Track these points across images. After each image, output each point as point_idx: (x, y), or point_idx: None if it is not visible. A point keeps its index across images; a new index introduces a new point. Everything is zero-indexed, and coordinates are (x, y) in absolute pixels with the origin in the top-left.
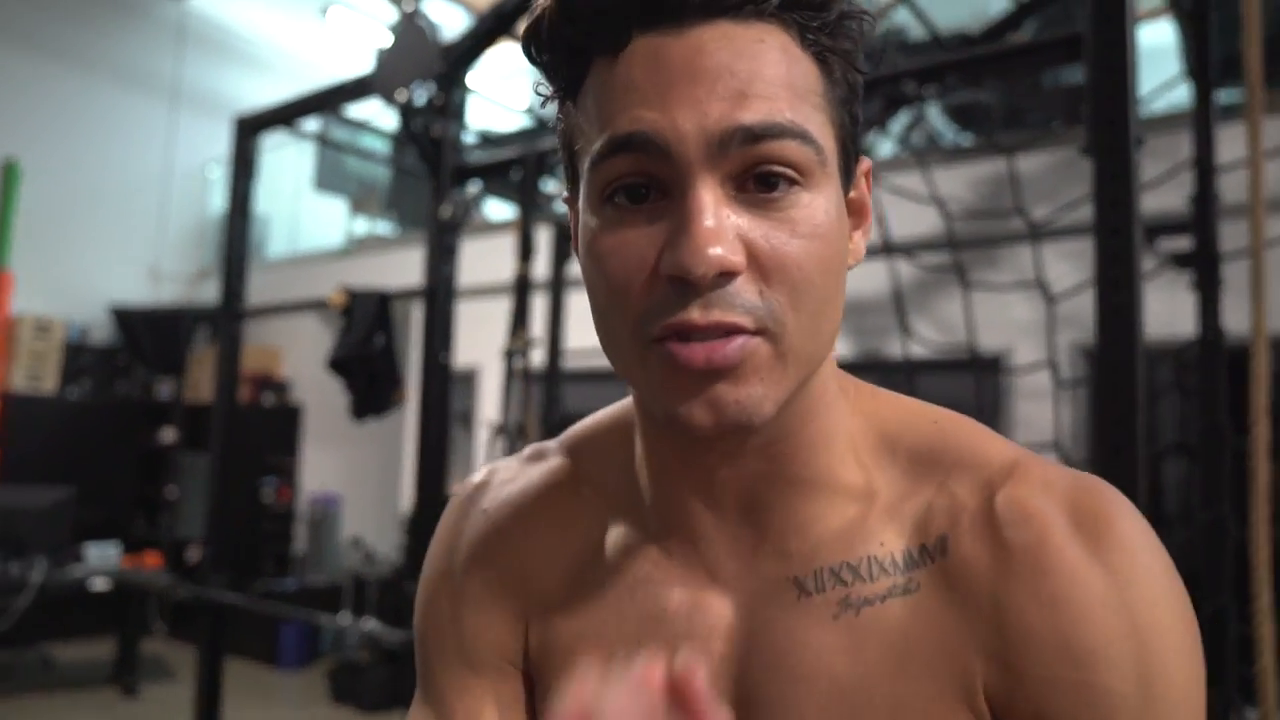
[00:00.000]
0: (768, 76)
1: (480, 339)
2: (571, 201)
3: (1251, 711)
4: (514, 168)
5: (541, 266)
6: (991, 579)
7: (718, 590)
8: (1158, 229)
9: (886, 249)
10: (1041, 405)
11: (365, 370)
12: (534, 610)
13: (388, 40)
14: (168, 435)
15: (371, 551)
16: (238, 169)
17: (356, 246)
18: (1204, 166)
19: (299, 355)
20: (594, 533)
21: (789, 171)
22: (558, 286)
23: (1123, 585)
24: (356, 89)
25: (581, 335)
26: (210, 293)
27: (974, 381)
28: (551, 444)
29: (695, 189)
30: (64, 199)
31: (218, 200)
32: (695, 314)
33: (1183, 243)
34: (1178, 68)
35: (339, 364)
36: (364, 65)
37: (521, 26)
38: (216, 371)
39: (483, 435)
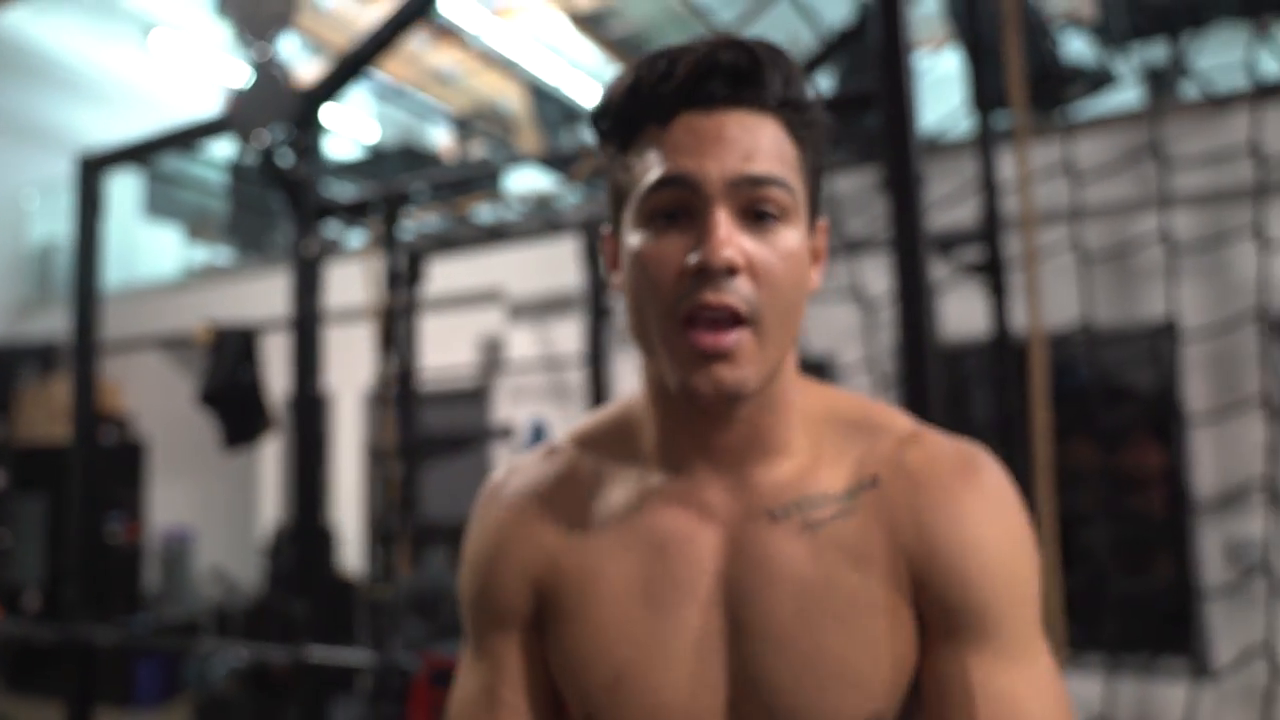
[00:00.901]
0: (765, 146)
1: (329, 364)
2: (610, 237)
3: None
4: (371, 205)
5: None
6: (910, 504)
7: (710, 522)
8: (952, 241)
9: None
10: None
11: (235, 402)
12: (542, 568)
13: (242, 83)
14: None
15: (233, 581)
16: (84, 208)
17: (196, 277)
18: (988, 185)
19: (140, 389)
20: (594, 497)
21: (774, 209)
22: (409, 311)
23: (992, 506)
24: (210, 128)
25: (437, 356)
26: (33, 327)
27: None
28: (562, 441)
29: (715, 213)
30: None
31: (37, 230)
32: (709, 295)
33: (975, 253)
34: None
35: (209, 397)
36: (192, 89)
37: (593, 106)
38: (74, 409)
39: (344, 458)
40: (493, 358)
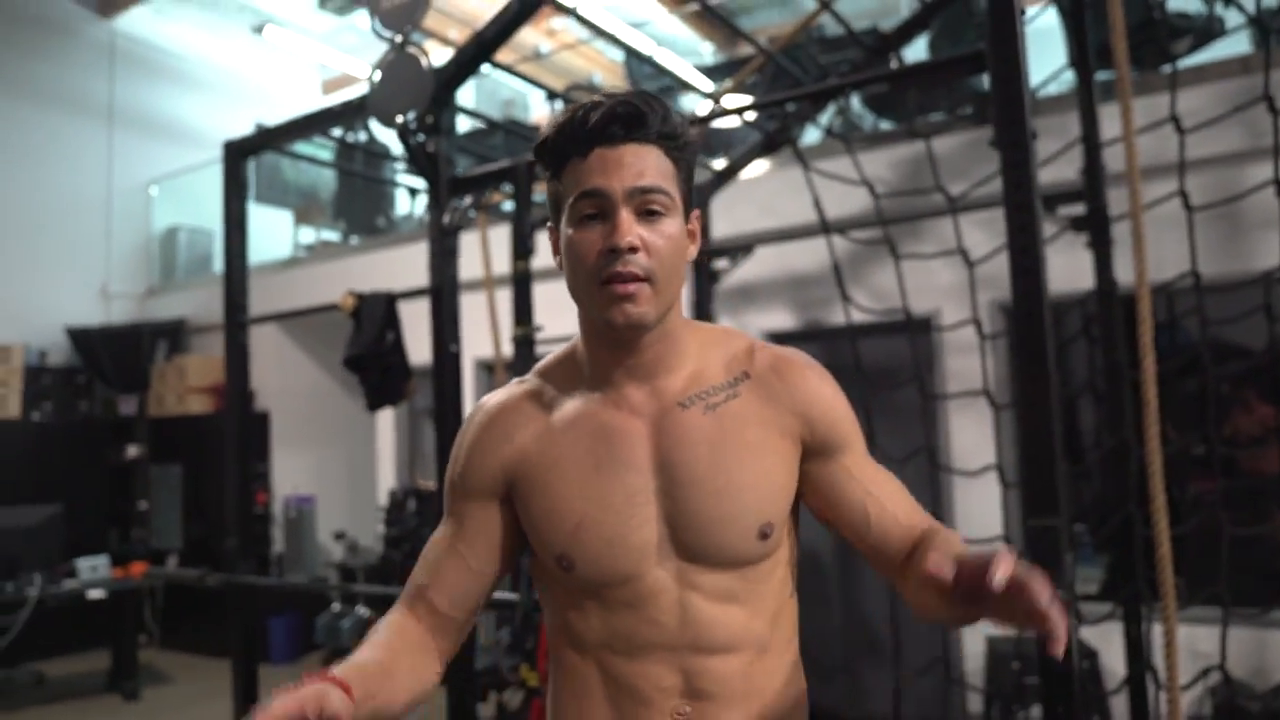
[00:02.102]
0: (650, 166)
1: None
2: (553, 229)
3: (1156, 605)
4: (505, 177)
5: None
6: (781, 383)
7: (637, 416)
8: (1056, 198)
9: (824, 228)
10: (968, 359)
11: (378, 366)
12: (513, 458)
13: (381, 68)
14: (133, 450)
15: (354, 543)
16: (229, 190)
17: (308, 255)
18: (1090, 143)
19: (260, 365)
20: (553, 411)
21: (659, 207)
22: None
23: (826, 376)
24: (348, 113)
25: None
26: (160, 309)
27: (909, 341)
28: (528, 375)
29: (620, 212)
30: (11, 225)
31: (160, 218)
32: (619, 266)
33: (1078, 208)
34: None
35: (353, 361)
36: (301, 80)
37: (535, 144)
38: (227, 378)
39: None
40: None
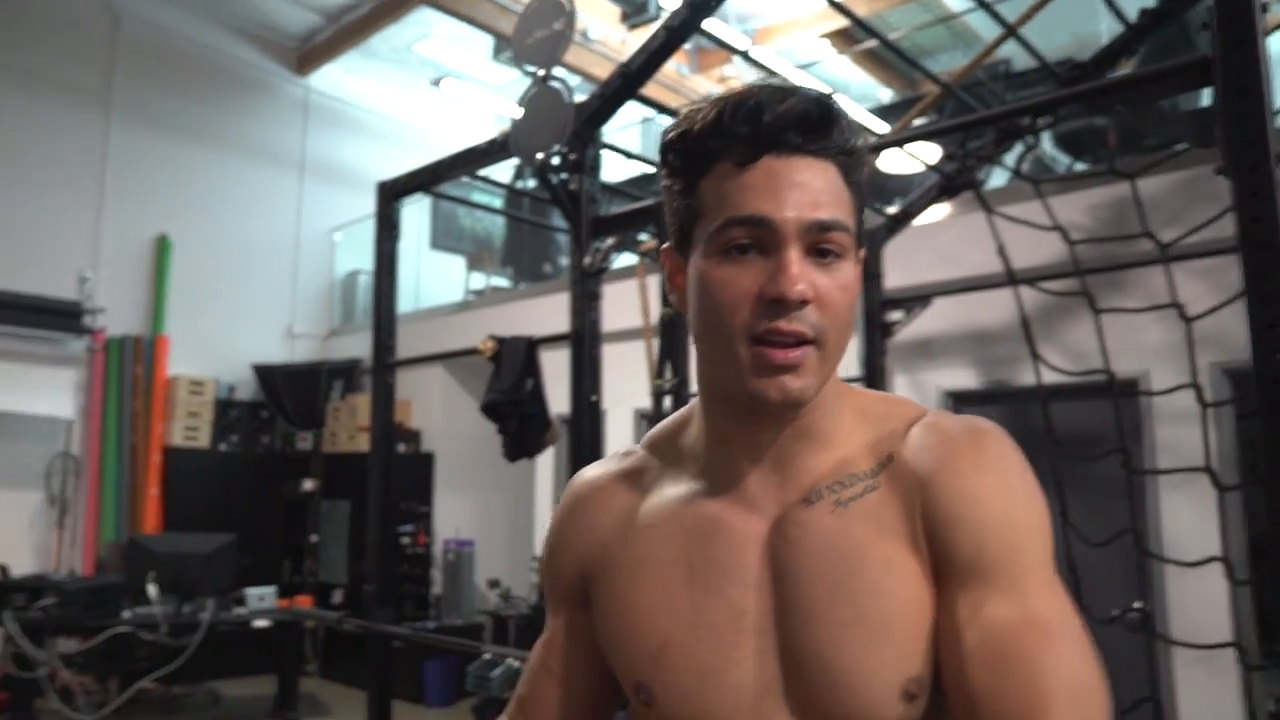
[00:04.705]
0: (829, 193)
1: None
2: (670, 251)
3: None
4: (649, 217)
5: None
6: (919, 470)
7: (754, 512)
8: None
9: (1010, 278)
10: (1181, 428)
11: (517, 413)
12: (591, 554)
13: (522, 106)
14: (308, 484)
15: (507, 592)
16: (381, 230)
17: (476, 300)
18: None
19: (426, 406)
20: (655, 495)
21: (836, 248)
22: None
23: (989, 464)
24: (492, 152)
25: None
26: (339, 350)
27: (1112, 406)
28: (638, 444)
29: (789, 251)
30: (210, 268)
31: (342, 264)
32: (783, 323)
33: None
34: None
35: (491, 408)
36: (475, 129)
37: (671, 133)
38: (373, 419)
39: None
40: None
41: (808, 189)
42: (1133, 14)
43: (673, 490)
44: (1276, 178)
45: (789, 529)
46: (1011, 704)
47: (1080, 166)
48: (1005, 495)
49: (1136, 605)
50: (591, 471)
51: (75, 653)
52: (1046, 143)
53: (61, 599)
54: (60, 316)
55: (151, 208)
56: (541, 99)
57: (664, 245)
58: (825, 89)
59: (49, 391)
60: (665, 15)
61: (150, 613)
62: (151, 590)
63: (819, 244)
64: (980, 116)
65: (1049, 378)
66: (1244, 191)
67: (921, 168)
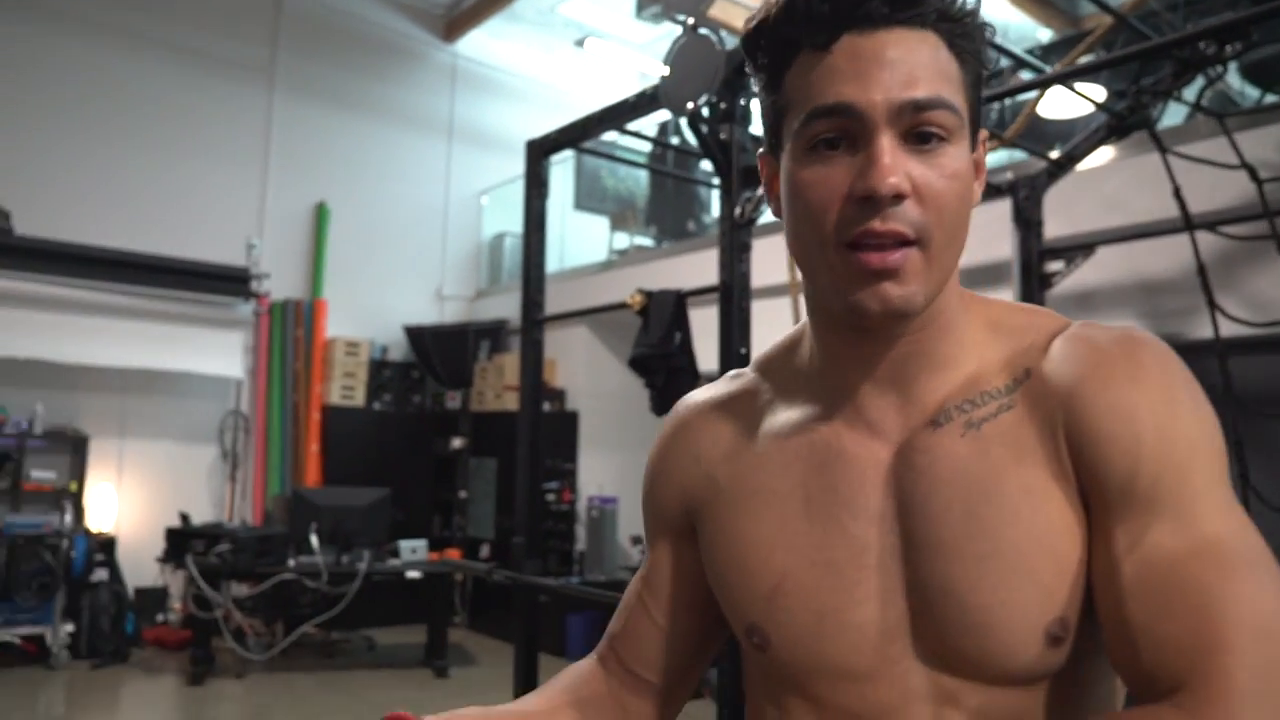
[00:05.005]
0: (927, 66)
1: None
2: (766, 158)
3: None
4: None
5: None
6: (1063, 386)
7: (875, 438)
8: None
9: (1187, 223)
10: None
11: (664, 367)
12: (697, 484)
13: (673, 54)
14: (456, 442)
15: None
16: (530, 188)
17: (620, 259)
18: None
19: (570, 365)
20: (762, 421)
21: (939, 130)
22: None
23: (1146, 375)
24: (641, 105)
25: None
26: (486, 311)
27: None
28: (748, 367)
29: (879, 140)
30: (364, 233)
31: (489, 226)
32: (877, 223)
33: None
34: None
35: (638, 362)
36: (619, 88)
37: (746, 29)
38: (522, 375)
39: None
40: None
41: (900, 65)
42: None
43: (785, 415)
44: None
45: (915, 456)
46: (1184, 642)
47: (1272, 99)
48: (1168, 408)
49: None
50: (698, 395)
51: (246, 597)
52: (1233, 75)
53: (235, 546)
54: (230, 282)
55: (311, 177)
56: (691, 48)
57: (759, 152)
58: None
59: (220, 353)
60: None
61: (313, 562)
62: (314, 540)
63: (918, 127)
64: (1156, 43)
65: (1228, 330)
66: None
67: (1089, 109)
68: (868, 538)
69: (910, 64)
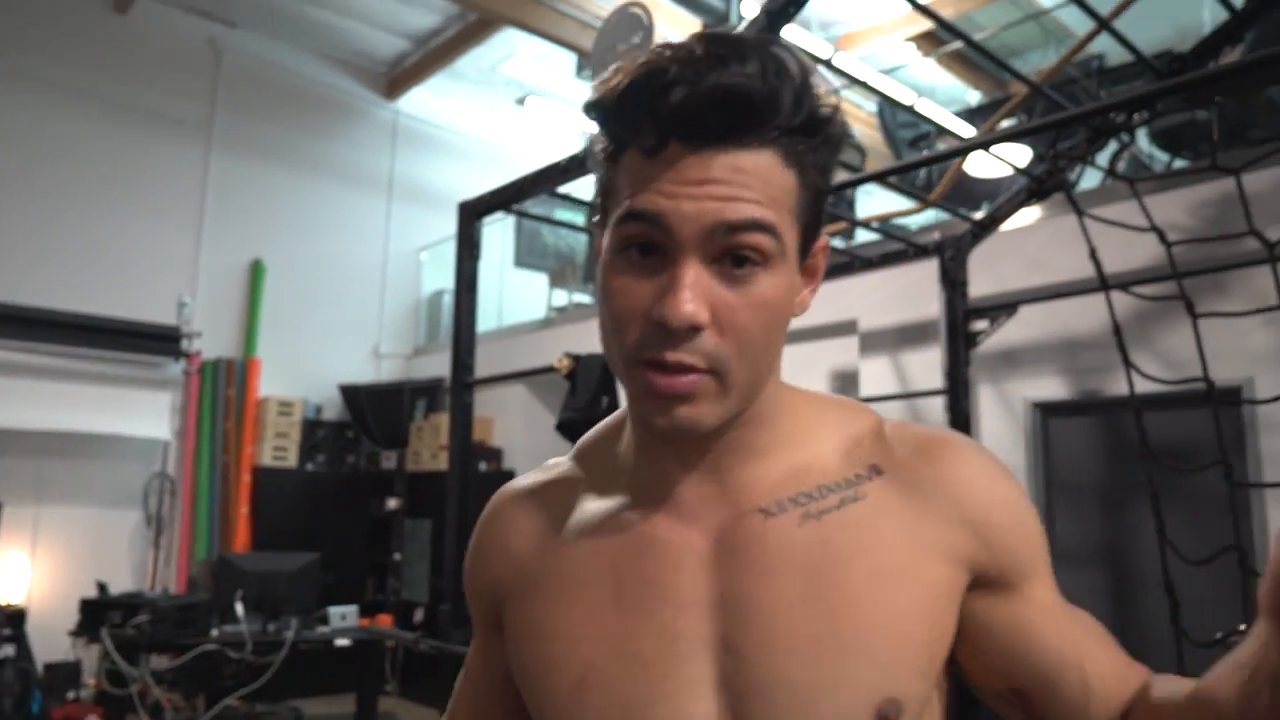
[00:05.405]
0: (754, 186)
1: None
2: (600, 227)
3: None
4: None
5: None
6: (934, 472)
7: (693, 527)
8: None
9: (1102, 283)
10: None
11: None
12: (505, 575)
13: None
14: (392, 503)
15: None
16: (462, 249)
17: (558, 316)
18: None
19: (507, 424)
20: (580, 510)
21: (753, 255)
22: None
23: (1000, 469)
24: (573, 168)
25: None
26: (423, 369)
27: (1211, 416)
28: (565, 456)
29: (683, 263)
30: (300, 291)
31: (428, 283)
32: (668, 354)
33: None
34: None
35: (566, 426)
36: (560, 146)
37: (590, 95)
38: (451, 438)
39: None
40: (846, 391)
41: (722, 185)
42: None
43: (601, 504)
44: None
45: (742, 543)
46: (1116, 657)
47: (1180, 164)
48: (1022, 496)
49: (1241, 628)
50: (514, 484)
51: (165, 670)
52: (1144, 141)
53: (155, 617)
54: (160, 341)
55: (247, 233)
56: None
57: (594, 220)
58: (908, 90)
59: (148, 414)
60: (745, 24)
61: (238, 631)
62: (239, 608)
63: (731, 250)
64: (1070, 114)
65: (1143, 386)
66: None
67: (1009, 171)
68: (680, 627)
69: (734, 184)
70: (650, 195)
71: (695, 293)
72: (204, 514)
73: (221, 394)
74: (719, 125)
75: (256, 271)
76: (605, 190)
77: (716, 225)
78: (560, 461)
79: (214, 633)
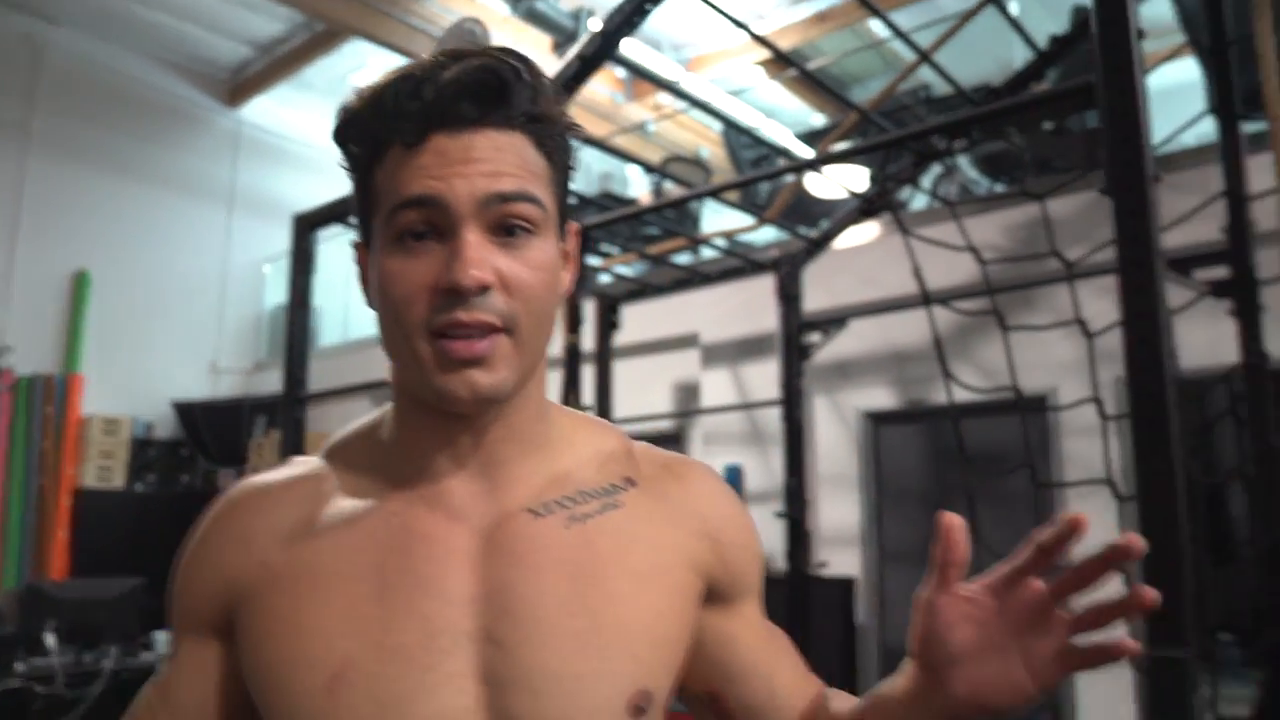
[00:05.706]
0: (514, 162)
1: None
2: (362, 247)
3: None
4: None
5: (587, 339)
6: (682, 490)
7: (460, 522)
8: (1193, 260)
9: (925, 299)
10: (1088, 442)
11: None
12: (245, 573)
13: None
14: None
15: None
16: (297, 263)
17: None
18: (1235, 196)
19: None
20: (334, 505)
21: (525, 223)
22: (604, 357)
23: (733, 495)
24: None
25: (629, 406)
26: (265, 384)
27: (1020, 422)
28: (312, 455)
29: (464, 233)
30: (130, 303)
31: (271, 296)
32: (462, 314)
33: (1220, 271)
34: (1203, 103)
35: None
36: None
37: (336, 124)
38: (281, 454)
39: None
40: (688, 403)
41: (486, 162)
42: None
43: (358, 500)
44: (1152, 197)
45: (509, 540)
46: (799, 671)
47: (1000, 189)
48: (752, 522)
49: None
50: (255, 478)
51: None
52: (969, 167)
53: None
54: None
55: (70, 243)
56: None
57: (354, 242)
58: (755, 112)
59: None
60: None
61: (47, 664)
62: (49, 640)
63: (503, 220)
64: (889, 138)
65: (961, 396)
66: (1121, 210)
67: (845, 193)
68: (444, 621)
69: (497, 161)
70: (421, 180)
71: (480, 255)
72: (14, 540)
73: (38, 412)
74: (473, 109)
75: (81, 283)
76: (365, 202)
77: (490, 196)
78: (307, 459)
79: (19, 668)
